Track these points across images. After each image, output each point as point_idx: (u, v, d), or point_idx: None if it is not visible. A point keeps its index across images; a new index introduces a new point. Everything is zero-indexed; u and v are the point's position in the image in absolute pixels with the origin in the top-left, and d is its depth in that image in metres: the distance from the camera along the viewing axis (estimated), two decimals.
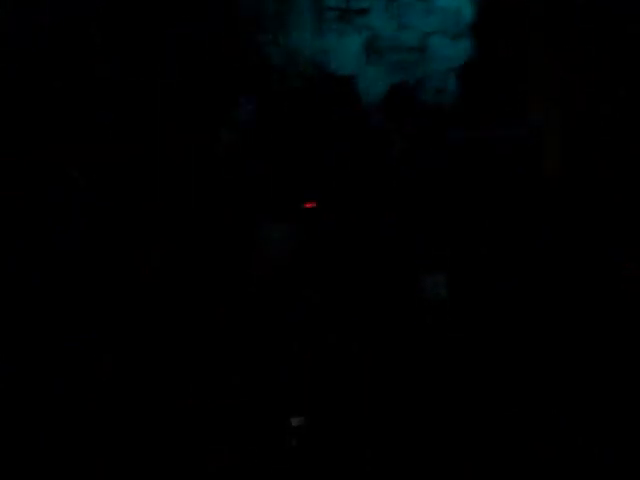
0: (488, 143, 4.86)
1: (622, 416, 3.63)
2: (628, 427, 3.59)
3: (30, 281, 3.06)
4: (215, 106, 4.33)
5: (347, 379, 2.94)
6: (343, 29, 5.00)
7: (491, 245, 4.48)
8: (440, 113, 5.12)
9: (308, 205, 3.27)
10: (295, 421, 2.77)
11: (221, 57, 4.53)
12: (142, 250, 3.10)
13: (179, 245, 3.17)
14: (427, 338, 3.30)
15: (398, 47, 5.10)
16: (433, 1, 5.09)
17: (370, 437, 2.99)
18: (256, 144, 3.81)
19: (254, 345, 2.88)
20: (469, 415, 3.57)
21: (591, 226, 4.65)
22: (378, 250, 3.31)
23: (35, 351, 2.89)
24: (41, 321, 2.98)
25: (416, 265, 3.46)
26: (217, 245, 3.10)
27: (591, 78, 5.38)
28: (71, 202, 3.36)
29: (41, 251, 3.13)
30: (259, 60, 4.73)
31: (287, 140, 3.91)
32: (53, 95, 3.89)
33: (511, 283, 4.28)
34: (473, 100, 5.27)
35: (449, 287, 3.55)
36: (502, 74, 5.68)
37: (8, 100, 3.76)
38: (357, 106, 4.49)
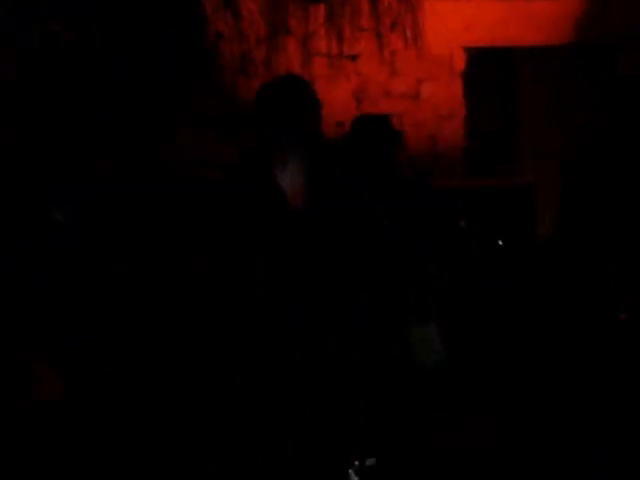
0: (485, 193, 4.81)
1: (608, 418, 3.64)
2: (615, 428, 3.58)
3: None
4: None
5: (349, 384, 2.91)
6: (333, 75, 4.93)
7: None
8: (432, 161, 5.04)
9: None
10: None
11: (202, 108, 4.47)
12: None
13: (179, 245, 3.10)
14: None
15: (389, 94, 5.04)
16: (425, 48, 5.03)
17: (368, 443, 2.94)
18: None
19: (257, 346, 2.80)
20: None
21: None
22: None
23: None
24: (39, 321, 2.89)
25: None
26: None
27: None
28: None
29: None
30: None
31: None
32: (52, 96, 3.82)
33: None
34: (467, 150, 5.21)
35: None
36: (494, 125, 5.63)
37: (7, 100, 3.71)
38: None
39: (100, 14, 4.03)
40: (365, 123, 3.54)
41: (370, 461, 2.91)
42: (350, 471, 2.85)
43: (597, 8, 5.14)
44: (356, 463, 2.86)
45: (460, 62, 5.12)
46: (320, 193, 3.22)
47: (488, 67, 5.43)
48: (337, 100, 4.96)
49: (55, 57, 3.93)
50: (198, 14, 4.36)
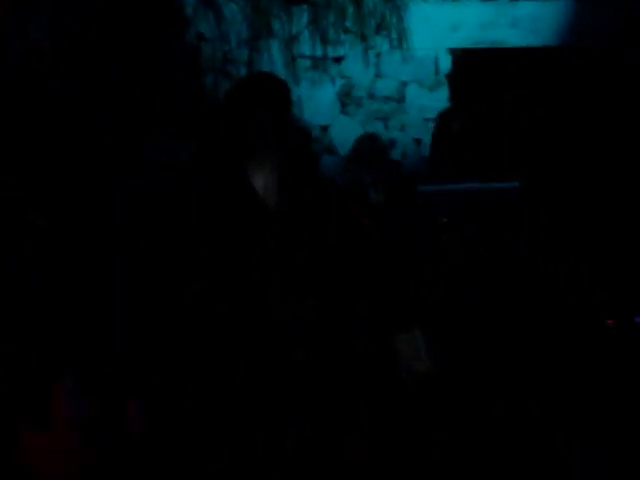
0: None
1: (601, 416, 3.65)
2: (607, 426, 3.59)
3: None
4: None
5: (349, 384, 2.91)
6: (317, 77, 4.89)
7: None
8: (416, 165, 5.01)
9: None
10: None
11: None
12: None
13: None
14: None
15: (374, 96, 5.00)
16: (410, 50, 5.00)
17: (368, 443, 2.94)
18: None
19: (257, 346, 2.79)
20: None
21: None
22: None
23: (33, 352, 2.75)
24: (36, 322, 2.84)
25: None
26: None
27: None
28: None
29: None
30: None
31: None
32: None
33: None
34: (449, 152, 5.18)
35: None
36: (480, 127, 5.60)
37: (6, 101, 3.65)
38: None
39: (84, 16, 3.98)
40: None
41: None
42: None
43: (584, 11, 5.13)
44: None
45: (446, 64, 5.09)
46: (297, 193, 3.18)
47: (474, 69, 5.40)
48: (321, 102, 4.93)
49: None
50: (179, 15, 4.32)
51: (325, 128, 4.99)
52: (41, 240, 3.15)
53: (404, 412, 3.20)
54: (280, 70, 4.73)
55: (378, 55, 5.00)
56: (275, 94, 3.16)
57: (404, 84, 5.06)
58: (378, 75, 5.02)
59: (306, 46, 4.86)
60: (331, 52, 4.90)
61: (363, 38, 4.93)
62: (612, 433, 3.60)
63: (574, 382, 4.00)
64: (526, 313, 4.56)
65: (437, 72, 5.07)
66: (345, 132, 4.92)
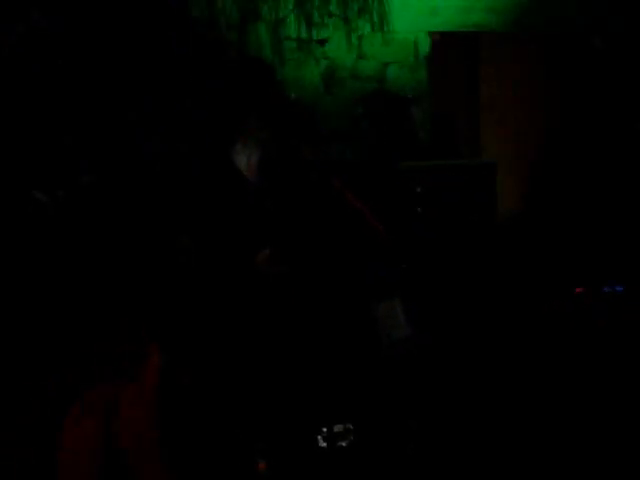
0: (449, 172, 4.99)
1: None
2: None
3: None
4: None
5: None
6: (302, 59, 5.07)
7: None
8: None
9: None
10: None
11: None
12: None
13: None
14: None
15: (357, 77, 5.18)
16: (391, 33, 5.18)
17: (336, 410, 3.11)
18: None
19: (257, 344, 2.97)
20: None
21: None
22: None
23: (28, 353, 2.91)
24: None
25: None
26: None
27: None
28: None
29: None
30: None
31: None
32: None
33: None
34: (432, 131, 5.37)
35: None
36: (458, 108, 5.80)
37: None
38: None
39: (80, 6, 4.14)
40: None
41: (338, 427, 3.07)
42: (318, 437, 3.00)
43: None
44: (324, 430, 3.02)
45: (425, 46, 5.28)
46: (280, 169, 3.37)
47: (453, 51, 5.59)
48: (306, 83, 5.10)
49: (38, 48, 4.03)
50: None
51: (310, 107, 5.17)
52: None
53: (384, 377, 3.36)
54: (267, 52, 4.93)
55: (360, 37, 5.17)
56: (259, 77, 3.36)
57: (385, 65, 5.24)
58: (360, 57, 5.20)
59: (292, 29, 5.03)
60: (316, 35, 5.07)
61: (346, 21, 5.10)
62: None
63: (547, 345, 4.16)
64: (500, 280, 4.75)
65: (417, 54, 5.26)
66: (329, 111, 5.14)
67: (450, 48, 5.50)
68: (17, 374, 2.76)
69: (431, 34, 5.29)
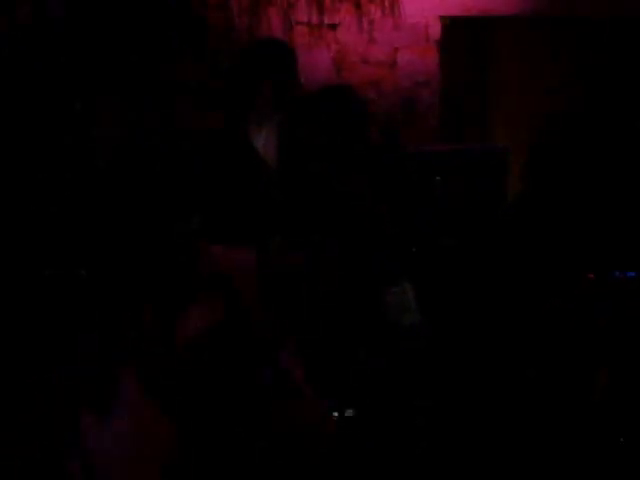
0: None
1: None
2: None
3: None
4: None
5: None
6: (313, 43, 5.08)
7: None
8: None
9: None
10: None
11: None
12: None
13: None
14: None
15: (368, 61, 5.19)
16: (402, 17, 5.18)
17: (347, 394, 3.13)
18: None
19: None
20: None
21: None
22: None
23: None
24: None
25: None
26: None
27: None
28: None
29: None
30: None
31: None
32: None
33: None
34: (442, 115, 5.38)
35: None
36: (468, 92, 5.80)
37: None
38: None
39: None
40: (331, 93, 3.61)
41: (349, 412, 3.08)
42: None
43: None
44: (335, 414, 3.04)
45: (436, 31, 5.28)
46: (295, 153, 3.38)
47: (463, 36, 5.59)
48: (318, 67, 5.12)
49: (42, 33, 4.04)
50: None
51: None
52: None
53: (394, 363, 3.36)
54: (279, 37, 4.93)
55: (371, 22, 5.18)
56: (276, 58, 3.34)
57: (396, 50, 5.25)
58: (371, 41, 5.21)
59: (303, 13, 5.04)
60: (327, 19, 5.08)
61: (357, 6, 5.11)
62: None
63: (559, 333, 4.16)
64: (513, 267, 4.74)
65: (427, 39, 5.26)
66: None
67: (461, 32, 5.49)
68: (20, 368, 2.77)
69: (442, 18, 5.28)
